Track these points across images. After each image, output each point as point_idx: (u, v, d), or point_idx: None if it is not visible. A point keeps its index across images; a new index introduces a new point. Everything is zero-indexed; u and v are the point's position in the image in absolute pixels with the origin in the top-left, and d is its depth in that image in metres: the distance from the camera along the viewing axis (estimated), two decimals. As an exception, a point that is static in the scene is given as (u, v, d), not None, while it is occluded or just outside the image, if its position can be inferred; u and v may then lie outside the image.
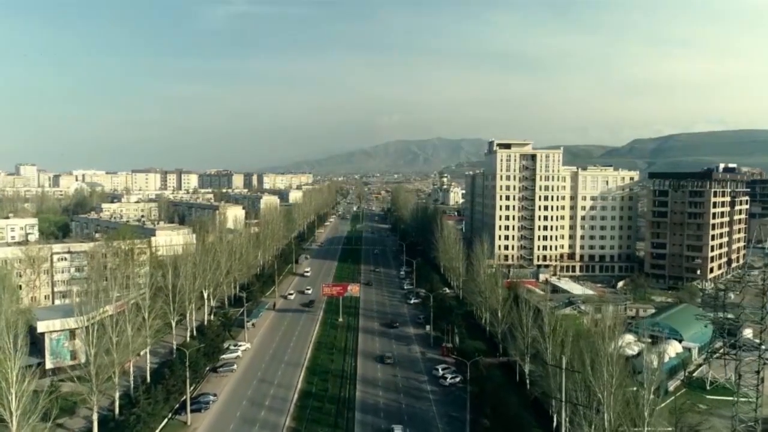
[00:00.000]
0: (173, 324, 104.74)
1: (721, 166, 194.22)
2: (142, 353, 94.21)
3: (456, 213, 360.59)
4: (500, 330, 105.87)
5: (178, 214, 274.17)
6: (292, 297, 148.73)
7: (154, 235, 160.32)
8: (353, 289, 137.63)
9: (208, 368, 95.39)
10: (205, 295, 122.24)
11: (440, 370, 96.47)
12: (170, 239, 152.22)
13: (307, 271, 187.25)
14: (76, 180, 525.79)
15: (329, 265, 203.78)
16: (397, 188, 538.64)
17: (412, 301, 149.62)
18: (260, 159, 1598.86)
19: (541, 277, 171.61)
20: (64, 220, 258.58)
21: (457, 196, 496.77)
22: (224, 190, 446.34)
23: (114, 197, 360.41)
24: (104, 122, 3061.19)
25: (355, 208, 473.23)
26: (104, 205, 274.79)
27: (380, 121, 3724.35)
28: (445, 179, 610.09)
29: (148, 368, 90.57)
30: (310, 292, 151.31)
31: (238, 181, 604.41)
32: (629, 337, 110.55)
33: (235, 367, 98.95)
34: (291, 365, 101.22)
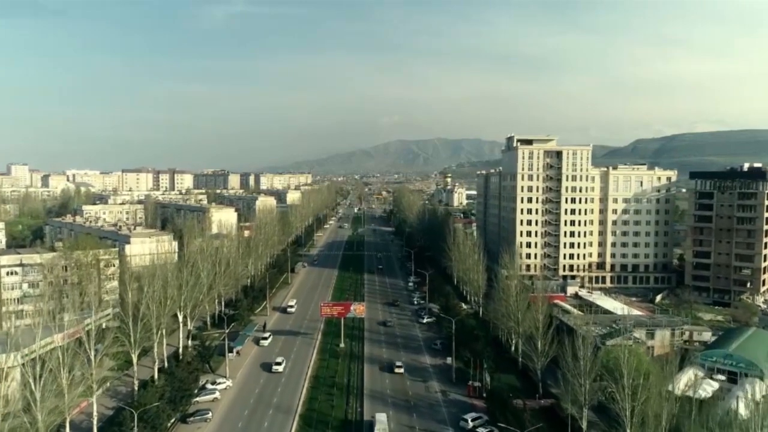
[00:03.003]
0: (134, 359, 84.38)
1: (746, 165, 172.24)
2: (99, 391, 74.13)
3: (462, 215, 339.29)
4: (540, 364, 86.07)
5: (165, 217, 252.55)
6: (266, 343, 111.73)
7: (129, 243, 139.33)
8: (357, 309, 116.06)
9: (174, 419, 75.00)
10: (180, 319, 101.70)
11: (469, 421, 75.79)
12: (145, 248, 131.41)
13: (291, 306, 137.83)
14: (68, 180, 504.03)
15: (328, 275, 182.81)
16: (400, 189, 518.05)
17: (424, 320, 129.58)
18: (259, 159, 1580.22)
19: (570, 290, 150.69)
20: (41, 224, 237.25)
21: (461, 197, 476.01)
22: (219, 191, 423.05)
23: (101, 198, 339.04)
24: (102, 122, 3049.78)
25: (356, 210, 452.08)
26: (85, 207, 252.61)
27: (380, 121, 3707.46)
28: (449, 179, 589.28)
29: (95, 423, 70.07)
30: (281, 368, 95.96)
31: (234, 181, 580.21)
32: (694, 373, 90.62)
33: (210, 415, 78.24)
34: (281, 412, 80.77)
